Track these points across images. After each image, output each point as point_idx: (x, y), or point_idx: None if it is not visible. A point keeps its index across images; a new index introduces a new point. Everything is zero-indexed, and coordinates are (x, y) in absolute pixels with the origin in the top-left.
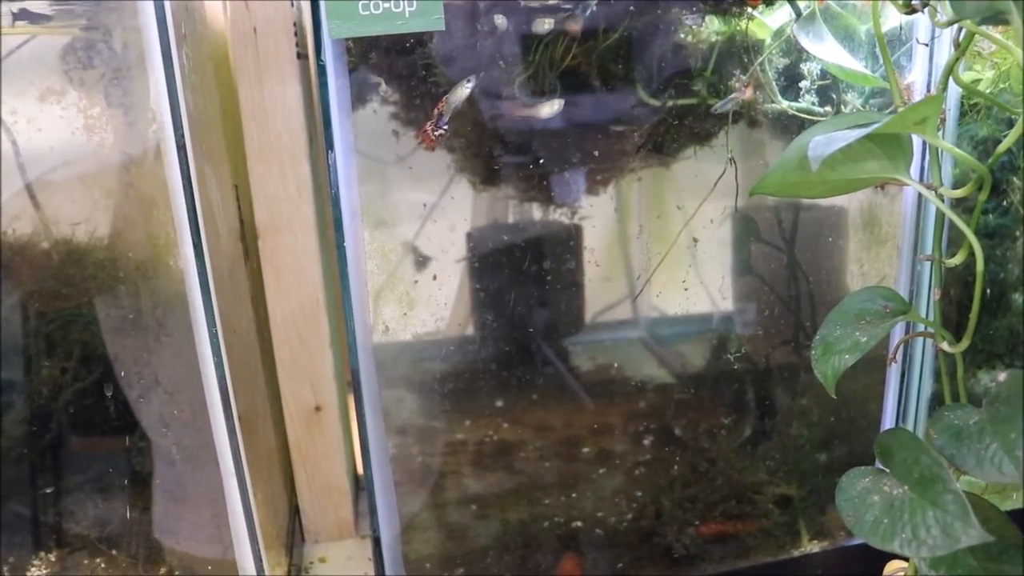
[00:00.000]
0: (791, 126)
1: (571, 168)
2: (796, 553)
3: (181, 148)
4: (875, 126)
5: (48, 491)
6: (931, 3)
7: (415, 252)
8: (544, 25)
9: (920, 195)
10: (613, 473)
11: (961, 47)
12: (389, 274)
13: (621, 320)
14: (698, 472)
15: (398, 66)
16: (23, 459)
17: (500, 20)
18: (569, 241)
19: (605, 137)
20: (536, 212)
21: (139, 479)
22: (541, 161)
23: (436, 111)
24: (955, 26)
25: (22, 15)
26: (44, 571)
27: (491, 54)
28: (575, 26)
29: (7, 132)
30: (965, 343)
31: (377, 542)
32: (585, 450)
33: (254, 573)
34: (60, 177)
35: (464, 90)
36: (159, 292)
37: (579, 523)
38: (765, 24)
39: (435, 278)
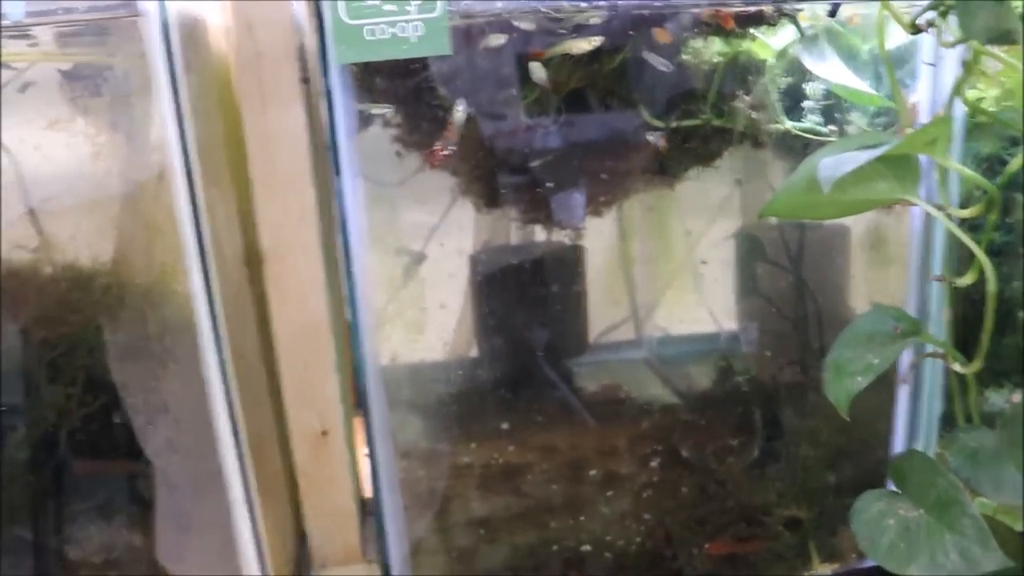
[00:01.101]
0: (795, 146)
1: (574, 190)
2: (807, 575)
3: (187, 174)
4: (885, 148)
5: (52, 517)
6: (936, 24)
7: (421, 277)
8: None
9: (927, 215)
10: (621, 496)
11: (968, 67)
12: (396, 299)
13: (626, 341)
14: (707, 494)
15: (402, 89)
16: (28, 485)
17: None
18: (573, 263)
19: (609, 159)
20: (540, 234)
21: (145, 505)
22: (545, 183)
23: (446, 134)
24: (961, 46)
25: None
26: None
27: (495, 77)
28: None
29: (12, 159)
30: (977, 364)
31: (386, 568)
32: (592, 472)
33: None
34: (65, 204)
35: (460, 114)
36: (165, 318)
37: (588, 547)
38: (767, 45)
39: (443, 306)
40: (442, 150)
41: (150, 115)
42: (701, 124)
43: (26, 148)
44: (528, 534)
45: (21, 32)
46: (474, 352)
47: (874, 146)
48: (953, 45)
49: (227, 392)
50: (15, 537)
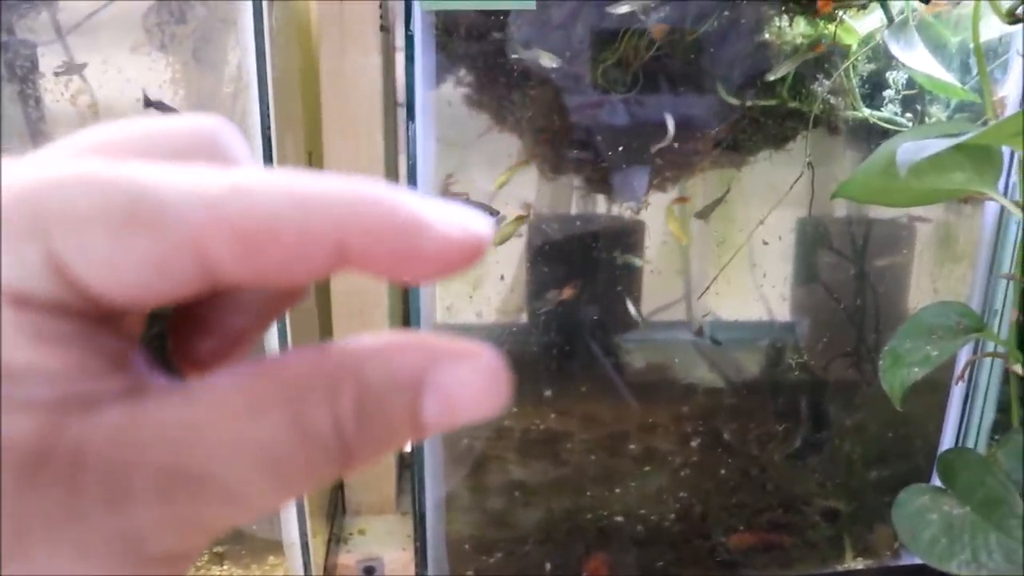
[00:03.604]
0: (871, 135)
1: (640, 163)
2: (840, 568)
3: (264, 109)
4: (968, 136)
5: None
6: None
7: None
8: None
9: (1001, 213)
10: (658, 472)
11: None
12: None
13: (677, 321)
14: (746, 477)
15: (478, 50)
16: None
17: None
18: (632, 237)
19: (680, 133)
20: (601, 205)
21: None
22: (611, 154)
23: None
24: None
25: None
26: None
27: (570, 44)
28: None
29: (88, 87)
30: None
31: (421, 518)
32: (632, 447)
33: (297, 538)
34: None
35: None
36: None
37: (621, 518)
38: (853, 29)
39: (502, 278)
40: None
41: (231, 46)
42: (777, 105)
43: (110, 72)
44: (563, 500)
45: None
46: (524, 318)
47: (956, 134)
48: None
49: (282, 332)
50: None
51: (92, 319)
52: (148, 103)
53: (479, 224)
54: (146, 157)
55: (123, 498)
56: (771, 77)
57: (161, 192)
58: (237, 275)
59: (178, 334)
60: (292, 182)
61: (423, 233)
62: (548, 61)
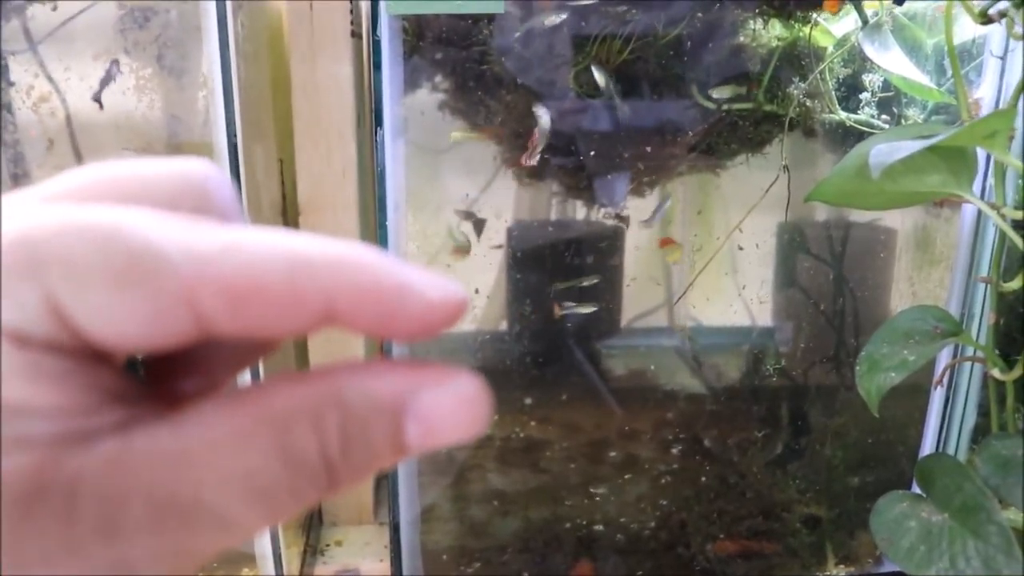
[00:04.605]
0: (848, 138)
1: (618, 168)
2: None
3: (230, 116)
4: (941, 137)
5: None
6: (1008, 14)
7: (457, 238)
8: None
9: (979, 216)
10: (639, 480)
11: None
12: (430, 258)
13: (657, 327)
14: (726, 485)
15: (452, 54)
16: None
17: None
18: (611, 243)
19: (656, 138)
20: (579, 210)
21: None
22: (586, 159)
23: (531, 144)
24: None
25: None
26: None
27: (546, 49)
28: None
29: (56, 90)
30: (1018, 371)
31: (396, 528)
32: (612, 454)
33: (269, 549)
34: (109, 138)
35: (545, 118)
36: None
37: (601, 527)
38: (829, 31)
39: (476, 291)
40: (528, 161)
41: (198, 53)
42: (753, 108)
43: (72, 80)
44: (542, 509)
45: None
46: (503, 325)
47: (930, 136)
48: None
49: None
50: None
51: (86, 356)
52: None
53: (457, 289)
54: (137, 202)
55: (116, 529)
56: (715, 95)
57: (159, 247)
58: (228, 328)
59: (158, 372)
60: (284, 242)
61: (407, 296)
62: (554, 18)
